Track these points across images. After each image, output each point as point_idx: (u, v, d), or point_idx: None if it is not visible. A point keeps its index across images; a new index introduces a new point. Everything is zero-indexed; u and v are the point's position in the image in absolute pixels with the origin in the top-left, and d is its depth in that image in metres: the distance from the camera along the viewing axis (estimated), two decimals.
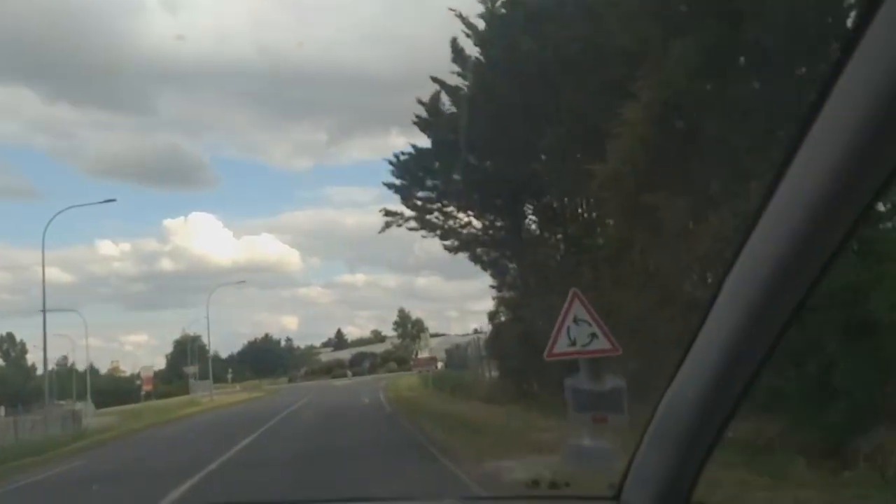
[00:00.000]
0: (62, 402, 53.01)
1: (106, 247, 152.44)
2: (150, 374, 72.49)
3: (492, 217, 22.66)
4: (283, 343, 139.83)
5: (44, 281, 32.54)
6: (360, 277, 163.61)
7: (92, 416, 45.96)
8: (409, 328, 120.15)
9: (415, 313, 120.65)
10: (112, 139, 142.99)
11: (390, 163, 22.86)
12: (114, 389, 79.49)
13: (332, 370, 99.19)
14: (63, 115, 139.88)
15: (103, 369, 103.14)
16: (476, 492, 6.28)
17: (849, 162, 0.82)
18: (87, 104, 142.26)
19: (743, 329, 1.08)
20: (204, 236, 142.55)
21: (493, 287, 23.73)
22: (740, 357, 1.13)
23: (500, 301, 23.33)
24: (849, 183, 0.85)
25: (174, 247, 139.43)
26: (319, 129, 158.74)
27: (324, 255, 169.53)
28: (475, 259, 23.86)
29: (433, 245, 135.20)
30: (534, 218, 21.91)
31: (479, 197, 22.01)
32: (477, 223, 23.20)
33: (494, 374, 26.37)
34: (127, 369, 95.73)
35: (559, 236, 20.79)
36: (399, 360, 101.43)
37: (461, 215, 23.35)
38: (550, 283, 20.04)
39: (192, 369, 69.41)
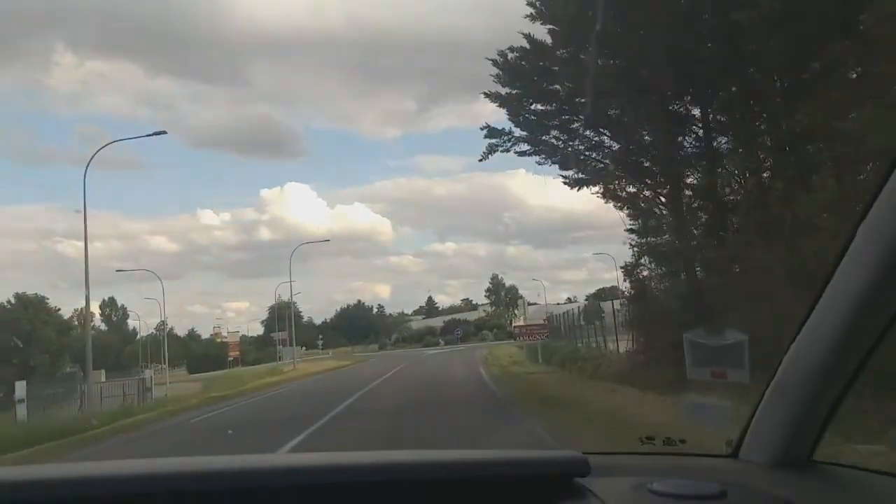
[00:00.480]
0: (151, 368, 51.16)
1: (207, 216, 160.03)
2: (237, 339, 69.99)
3: (638, 133, 16.57)
4: (374, 310, 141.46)
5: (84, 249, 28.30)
6: (450, 246, 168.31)
7: (167, 384, 42.95)
8: (503, 295, 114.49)
9: (506, 281, 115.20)
10: (210, 111, 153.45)
11: (495, 63, 17.02)
12: (212, 355, 78.38)
13: (424, 338, 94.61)
14: (164, 89, 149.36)
15: (205, 335, 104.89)
16: None
17: None
18: (187, 77, 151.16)
19: (871, 287, 1.06)
20: (299, 206, 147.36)
21: (630, 231, 17.68)
22: (867, 315, 1.10)
23: (643, 250, 17.24)
24: None
25: (271, 216, 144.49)
26: (408, 97, 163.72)
27: (414, 224, 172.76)
28: (608, 195, 17.93)
29: (524, 215, 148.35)
30: (699, 130, 15.59)
31: (619, 106, 16.03)
32: (613, 143, 17.24)
33: (621, 345, 20.64)
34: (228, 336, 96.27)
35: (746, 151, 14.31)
36: (494, 328, 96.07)
37: (590, 133, 17.41)
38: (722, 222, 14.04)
39: (280, 335, 66.35)
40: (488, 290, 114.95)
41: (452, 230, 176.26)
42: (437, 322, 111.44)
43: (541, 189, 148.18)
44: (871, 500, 1.43)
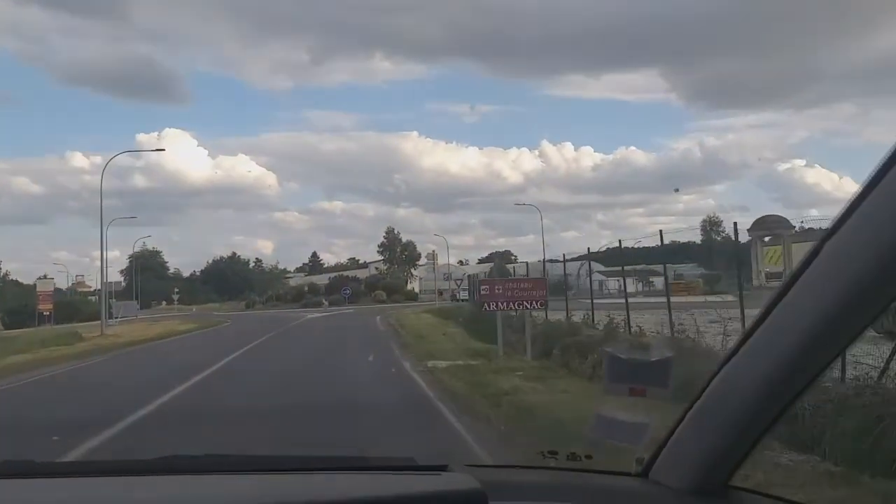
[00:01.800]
0: None
1: (77, 159, 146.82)
2: (49, 289, 52.83)
3: None
4: (252, 265, 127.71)
5: None
6: (337, 205, 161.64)
7: None
8: (399, 252, 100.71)
9: (403, 237, 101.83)
10: (84, 46, 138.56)
11: None
12: (31, 307, 60.56)
13: (303, 298, 79.33)
14: (34, 19, 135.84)
15: (68, 284, 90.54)
16: None
17: None
18: (59, 8, 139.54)
19: (825, 318, 1.03)
20: (178, 154, 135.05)
21: None
22: (814, 347, 1.08)
23: None
24: None
25: (147, 163, 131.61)
26: (301, 47, 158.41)
27: (302, 179, 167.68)
28: None
29: (415, 177, 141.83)
30: None
31: None
32: None
33: None
34: (93, 285, 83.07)
35: None
36: (389, 288, 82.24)
37: None
38: None
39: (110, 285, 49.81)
40: (382, 245, 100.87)
41: (341, 188, 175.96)
42: (322, 280, 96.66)
43: (432, 153, 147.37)
44: None
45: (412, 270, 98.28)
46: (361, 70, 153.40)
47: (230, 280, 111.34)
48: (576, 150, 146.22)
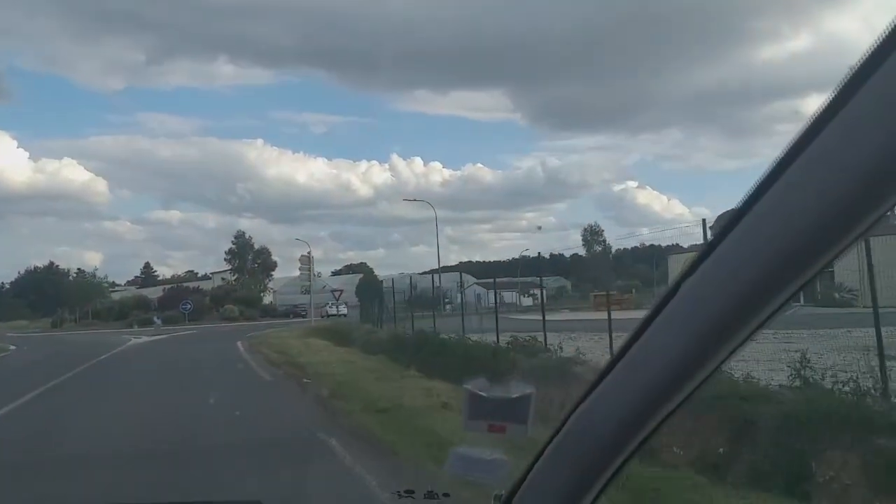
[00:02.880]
0: None
1: None
2: None
3: None
4: (73, 276, 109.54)
5: None
6: (175, 214, 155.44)
7: None
8: (251, 260, 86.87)
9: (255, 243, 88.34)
10: None
11: None
12: None
13: (129, 315, 63.87)
14: None
15: None
16: None
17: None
18: None
19: (686, 353, 1.03)
20: None
21: None
22: (672, 384, 1.08)
23: None
24: None
25: None
26: (136, 46, 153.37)
27: (135, 186, 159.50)
28: None
29: (260, 186, 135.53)
30: None
31: None
32: None
33: None
34: None
35: None
36: (242, 301, 68.78)
37: None
38: None
39: None
40: (230, 252, 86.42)
41: (179, 197, 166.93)
42: (155, 293, 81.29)
43: (278, 161, 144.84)
44: None
45: (267, 281, 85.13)
46: (203, 73, 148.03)
47: (47, 293, 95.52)
48: (425, 165, 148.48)
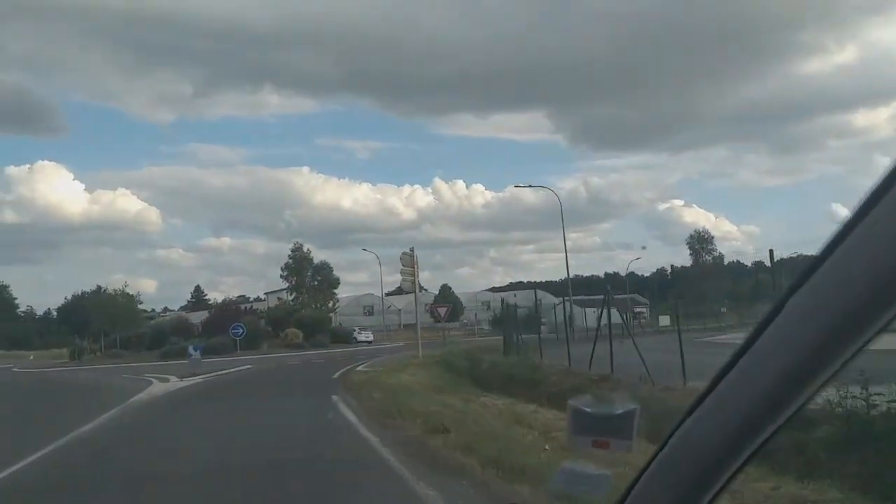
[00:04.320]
0: None
1: None
2: None
3: None
4: (120, 298, 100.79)
5: None
6: (225, 241, 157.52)
7: None
8: (310, 276, 75.10)
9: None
10: None
11: None
12: None
13: (164, 342, 51.08)
14: None
15: None
16: None
17: None
18: None
19: (795, 365, 1.01)
20: (52, 187, 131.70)
21: None
22: (780, 399, 1.07)
23: None
24: None
25: (17, 196, 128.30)
26: (184, 79, 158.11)
27: (186, 215, 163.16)
28: None
29: (307, 213, 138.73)
30: None
31: None
32: None
33: None
34: None
35: None
36: (307, 324, 56.40)
37: None
38: None
39: None
40: (286, 268, 74.56)
41: (229, 225, 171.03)
42: (199, 316, 70.15)
43: (324, 188, 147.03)
44: None
45: (333, 301, 73.08)
46: (249, 103, 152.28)
47: (93, 318, 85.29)
48: (467, 187, 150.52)
